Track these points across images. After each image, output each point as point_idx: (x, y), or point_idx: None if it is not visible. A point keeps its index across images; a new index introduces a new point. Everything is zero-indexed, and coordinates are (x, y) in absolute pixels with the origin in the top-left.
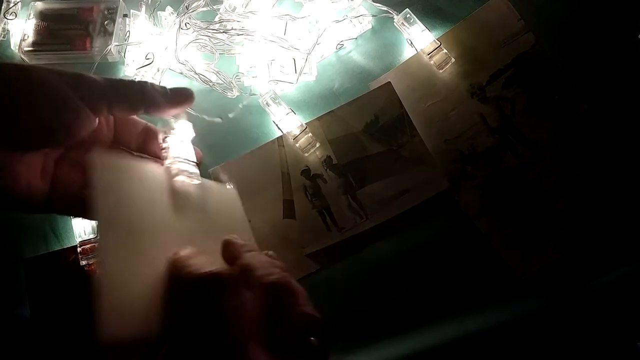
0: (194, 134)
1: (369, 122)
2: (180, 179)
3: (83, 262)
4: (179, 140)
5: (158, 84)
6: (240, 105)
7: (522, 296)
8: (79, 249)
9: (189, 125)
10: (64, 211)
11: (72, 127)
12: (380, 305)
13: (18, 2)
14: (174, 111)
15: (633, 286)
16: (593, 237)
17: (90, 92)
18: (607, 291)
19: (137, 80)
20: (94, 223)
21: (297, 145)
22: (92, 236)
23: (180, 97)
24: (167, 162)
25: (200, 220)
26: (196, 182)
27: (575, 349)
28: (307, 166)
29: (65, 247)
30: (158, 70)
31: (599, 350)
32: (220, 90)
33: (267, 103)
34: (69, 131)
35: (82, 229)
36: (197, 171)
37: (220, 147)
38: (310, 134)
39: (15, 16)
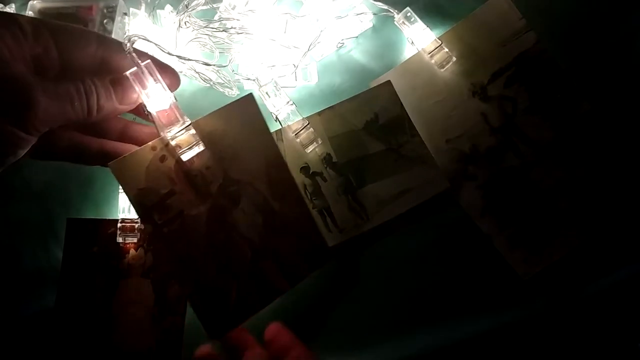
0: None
1: (369, 120)
2: (184, 157)
3: (119, 239)
4: (161, 98)
5: None
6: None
7: (525, 297)
8: (119, 225)
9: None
10: (58, 158)
11: (4, 159)
12: (380, 306)
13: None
14: (128, 107)
15: (635, 286)
16: (596, 237)
17: (30, 118)
18: (609, 291)
19: (84, 85)
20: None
21: (298, 140)
22: (134, 216)
23: (127, 93)
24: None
25: (224, 151)
26: (200, 148)
27: (577, 349)
28: (306, 163)
29: (108, 218)
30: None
31: (601, 350)
32: (220, 89)
33: (267, 94)
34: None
35: (128, 205)
36: (192, 131)
37: None
38: (311, 129)
39: None
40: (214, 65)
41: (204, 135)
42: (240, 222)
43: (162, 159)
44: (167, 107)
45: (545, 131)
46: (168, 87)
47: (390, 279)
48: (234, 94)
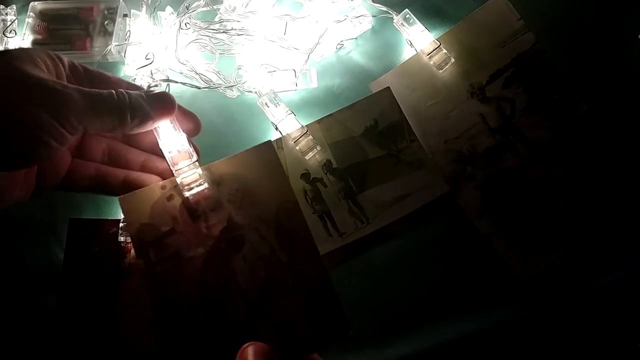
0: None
1: (368, 127)
2: (190, 194)
3: (121, 239)
4: (173, 140)
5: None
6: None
7: (523, 296)
8: (120, 225)
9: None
10: (57, 188)
11: (43, 151)
12: (380, 307)
13: (15, 20)
14: (156, 124)
15: (634, 286)
16: (594, 237)
17: (67, 113)
18: (608, 291)
19: (116, 94)
20: None
21: (298, 148)
22: None
23: (161, 104)
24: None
25: (237, 195)
26: (204, 186)
27: (576, 349)
28: (306, 170)
29: (109, 218)
30: (158, 71)
31: (600, 349)
32: (221, 90)
33: (265, 104)
34: (40, 155)
35: None
36: (199, 170)
37: (217, 148)
38: (310, 137)
39: (15, 34)
40: (232, 85)
41: (215, 177)
42: (240, 271)
43: (170, 198)
44: (180, 148)
45: (543, 132)
46: (189, 131)
47: (388, 279)
48: (235, 95)
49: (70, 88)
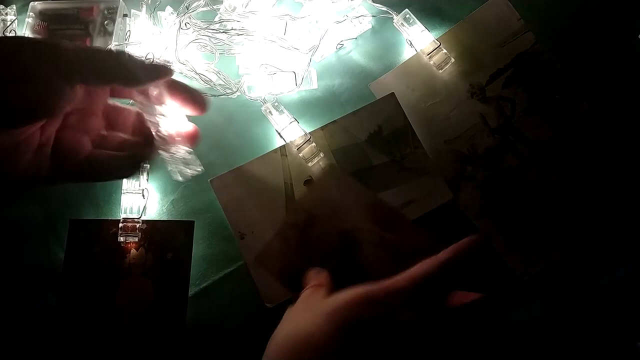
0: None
1: (372, 133)
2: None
3: (121, 239)
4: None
5: None
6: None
7: (523, 297)
8: (120, 225)
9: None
10: (73, 178)
11: (50, 104)
12: None
13: (15, 20)
14: (151, 84)
15: (633, 286)
16: (593, 237)
17: (66, 65)
18: (607, 291)
19: (114, 49)
20: (141, 203)
21: (301, 155)
22: (136, 216)
23: (158, 70)
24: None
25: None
26: (198, 170)
27: (576, 349)
28: (310, 176)
29: (109, 219)
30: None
31: (600, 349)
32: (221, 90)
33: (269, 112)
34: (48, 108)
35: (129, 206)
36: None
37: (217, 148)
38: (314, 144)
39: (15, 34)
40: (235, 92)
41: (306, 211)
42: (369, 263)
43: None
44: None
45: (543, 131)
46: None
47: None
48: (235, 95)
49: (68, 43)
